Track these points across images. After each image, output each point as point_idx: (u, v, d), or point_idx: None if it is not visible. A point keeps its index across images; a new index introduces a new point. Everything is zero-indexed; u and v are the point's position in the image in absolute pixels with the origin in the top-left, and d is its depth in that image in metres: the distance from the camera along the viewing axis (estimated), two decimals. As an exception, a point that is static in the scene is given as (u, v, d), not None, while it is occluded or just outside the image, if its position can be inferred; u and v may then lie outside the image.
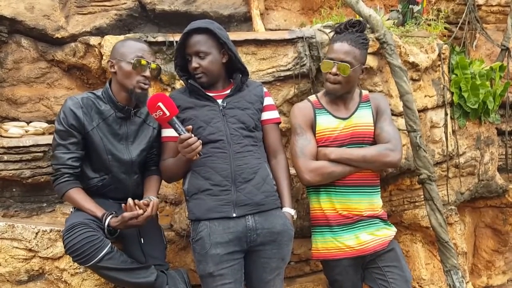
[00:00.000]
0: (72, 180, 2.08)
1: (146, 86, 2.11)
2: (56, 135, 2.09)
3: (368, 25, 2.68)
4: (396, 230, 2.32)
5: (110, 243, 1.98)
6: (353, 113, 2.27)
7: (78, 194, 2.07)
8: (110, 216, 2.01)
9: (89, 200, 2.07)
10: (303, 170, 2.20)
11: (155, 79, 2.36)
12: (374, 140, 2.26)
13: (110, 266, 1.96)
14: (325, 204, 2.25)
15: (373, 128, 2.26)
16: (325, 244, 2.25)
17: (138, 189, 2.24)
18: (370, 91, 2.57)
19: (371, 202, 2.25)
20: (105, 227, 1.99)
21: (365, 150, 2.21)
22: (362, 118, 2.26)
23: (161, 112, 1.92)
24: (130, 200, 2.00)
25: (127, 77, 2.08)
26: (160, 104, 1.91)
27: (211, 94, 2.16)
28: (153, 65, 2.10)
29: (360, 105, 2.29)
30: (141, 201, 2.03)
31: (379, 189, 2.32)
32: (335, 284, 2.31)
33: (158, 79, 2.60)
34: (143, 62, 2.07)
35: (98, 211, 2.03)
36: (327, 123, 2.26)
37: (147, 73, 2.08)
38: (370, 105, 2.29)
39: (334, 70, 2.18)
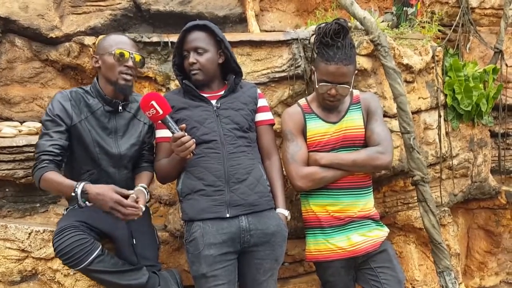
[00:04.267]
0: (50, 166, 1.97)
1: (129, 78, 2.12)
2: (42, 127, 2.08)
3: (362, 27, 2.70)
4: (388, 230, 2.32)
5: (100, 246, 1.97)
6: (343, 116, 2.26)
7: (53, 175, 1.93)
8: (84, 182, 1.88)
9: (65, 178, 1.94)
10: (294, 176, 2.21)
11: (153, 81, 2.36)
12: (365, 142, 2.26)
13: (101, 269, 1.95)
14: (316, 207, 2.25)
15: (363, 130, 2.26)
16: (317, 246, 2.25)
17: (128, 185, 2.22)
18: (364, 92, 2.58)
19: (363, 204, 2.25)
20: (79, 192, 1.84)
21: (355, 154, 2.21)
22: (353, 121, 2.26)
23: (155, 111, 1.92)
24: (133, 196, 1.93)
25: (110, 69, 2.10)
26: (153, 102, 1.91)
27: (205, 95, 2.16)
28: (137, 56, 2.13)
29: (350, 107, 2.28)
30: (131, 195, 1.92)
31: (371, 190, 2.33)
32: (328, 285, 2.32)
33: (153, 79, 2.60)
34: (124, 52, 2.09)
35: (74, 182, 1.89)
36: (317, 127, 2.26)
37: (130, 63, 2.10)
38: (360, 107, 2.29)
39: (333, 92, 2.15)
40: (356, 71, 2.30)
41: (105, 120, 2.14)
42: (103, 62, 2.12)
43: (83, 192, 1.86)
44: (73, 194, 1.87)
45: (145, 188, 2.12)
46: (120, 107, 2.17)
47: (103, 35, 2.70)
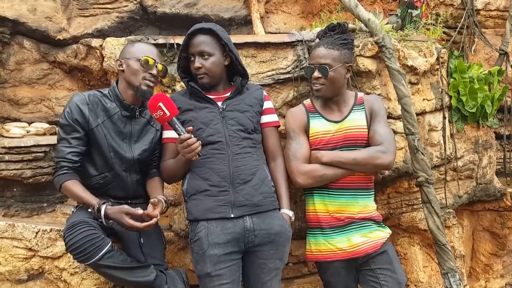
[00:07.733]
0: (70, 172, 2.10)
1: (152, 84, 2.16)
2: (60, 129, 2.13)
3: (367, 29, 2.71)
4: (390, 232, 2.33)
5: (110, 242, 2.00)
6: (346, 116, 2.29)
7: (74, 185, 2.07)
8: (105, 205, 1.99)
9: (85, 190, 2.07)
10: (295, 173, 2.23)
11: (159, 82, 2.40)
12: (368, 143, 2.27)
13: (110, 265, 1.98)
14: (318, 206, 2.27)
15: (366, 130, 2.27)
16: (318, 246, 2.27)
17: (138, 188, 2.26)
18: (369, 94, 2.59)
19: (364, 205, 2.27)
20: (102, 215, 1.97)
21: (356, 152, 2.23)
22: (355, 121, 2.28)
23: (162, 112, 1.95)
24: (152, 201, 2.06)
25: (134, 74, 2.14)
26: (160, 104, 1.94)
27: (211, 97, 2.19)
28: (159, 66, 2.17)
29: (353, 108, 2.31)
30: (151, 200, 2.06)
31: (373, 192, 2.34)
32: (328, 285, 2.33)
33: (159, 80, 2.63)
34: (151, 61, 2.14)
35: (93, 200, 2.02)
36: (319, 126, 2.28)
37: (154, 71, 2.15)
38: (364, 108, 2.31)
39: (315, 74, 2.24)
40: (351, 66, 2.33)
41: (121, 125, 2.18)
42: (127, 66, 2.16)
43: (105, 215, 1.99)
44: (90, 210, 2.02)
45: (163, 199, 2.16)
46: (137, 113, 2.21)
47: (111, 38, 2.73)
